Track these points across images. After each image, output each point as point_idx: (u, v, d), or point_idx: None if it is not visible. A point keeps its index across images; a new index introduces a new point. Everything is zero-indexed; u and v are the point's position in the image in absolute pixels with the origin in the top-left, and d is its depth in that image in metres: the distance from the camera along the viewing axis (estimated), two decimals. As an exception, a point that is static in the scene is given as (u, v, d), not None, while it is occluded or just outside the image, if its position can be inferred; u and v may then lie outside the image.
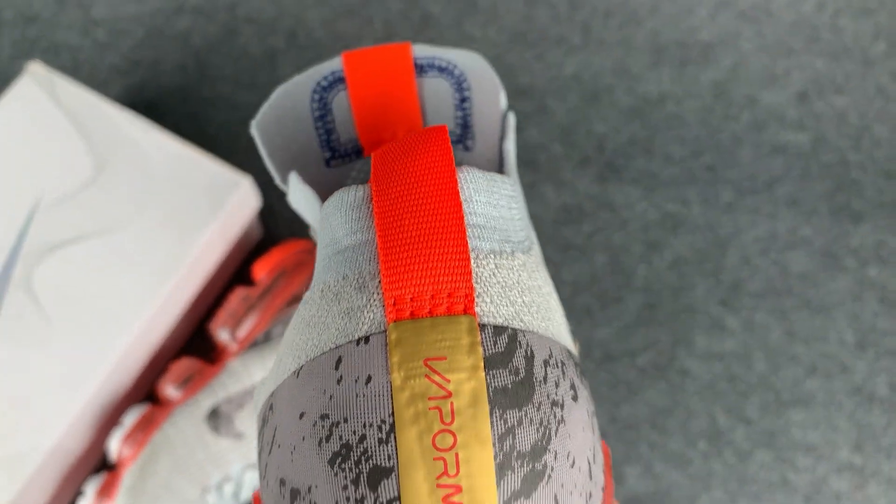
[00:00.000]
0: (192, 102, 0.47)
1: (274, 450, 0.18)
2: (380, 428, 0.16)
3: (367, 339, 0.16)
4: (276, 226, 0.44)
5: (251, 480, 0.35)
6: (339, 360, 0.17)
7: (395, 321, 0.16)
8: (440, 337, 0.16)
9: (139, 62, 0.48)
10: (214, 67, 0.48)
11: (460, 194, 0.18)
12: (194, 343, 0.41)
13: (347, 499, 0.16)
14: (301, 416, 0.17)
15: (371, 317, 0.17)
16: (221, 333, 0.37)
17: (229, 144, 0.46)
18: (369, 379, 0.16)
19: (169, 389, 0.36)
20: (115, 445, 0.35)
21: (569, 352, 0.19)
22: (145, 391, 0.39)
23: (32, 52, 0.48)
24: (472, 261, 0.17)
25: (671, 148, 0.46)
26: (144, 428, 0.35)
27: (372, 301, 0.17)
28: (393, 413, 0.16)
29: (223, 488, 0.35)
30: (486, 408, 0.16)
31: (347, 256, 0.18)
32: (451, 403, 0.15)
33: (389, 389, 0.16)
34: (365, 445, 0.16)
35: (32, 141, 0.38)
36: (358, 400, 0.16)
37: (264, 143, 0.22)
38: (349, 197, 0.18)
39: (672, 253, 0.43)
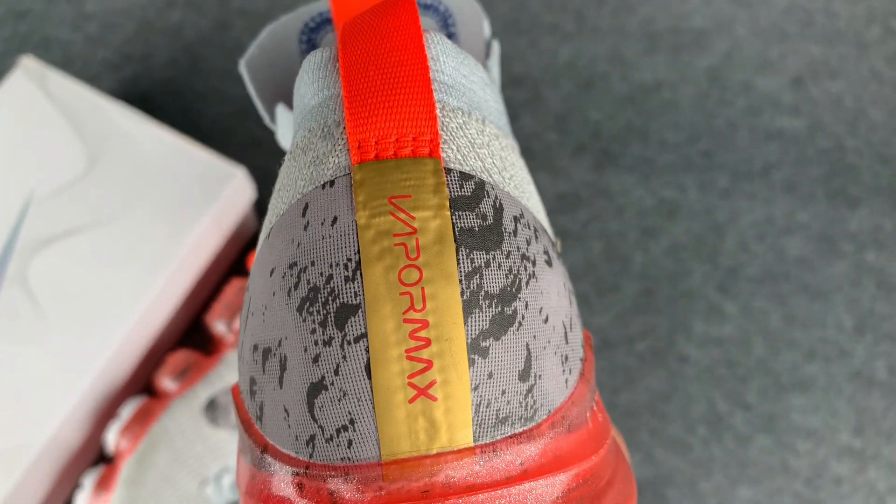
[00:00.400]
0: (184, 96, 0.47)
1: (248, 323, 0.18)
2: (346, 266, 0.16)
3: (332, 182, 0.17)
4: (271, 218, 0.44)
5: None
6: (305, 207, 0.17)
7: (359, 163, 0.16)
8: (405, 176, 0.16)
9: (131, 56, 0.48)
10: (207, 61, 0.47)
11: (427, 52, 0.18)
12: (191, 335, 0.41)
13: (316, 342, 0.16)
14: (271, 272, 0.17)
15: (336, 161, 0.17)
16: (217, 325, 0.37)
17: (222, 138, 0.45)
18: (335, 220, 0.16)
19: (166, 381, 0.36)
20: (112, 438, 0.35)
21: (545, 228, 0.18)
22: (142, 384, 0.39)
23: (23, 47, 0.48)
24: (438, 111, 0.17)
25: (667, 134, 0.45)
26: (142, 420, 0.35)
27: (337, 147, 0.17)
28: (359, 251, 0.16)
29: (222, 480, 0.35)
30: (452, 245, 0.16)
31: (314, 113, 0.18)
32: (417, 240, 0.15)
33: (355, 228, 0.16)
34: (332, 285, 0.16)
35: (25, 135, 0.38)
36: (324, 242, 0.16)
37: (252, 81, 0.23)
38: (316, 58, 0.18)
39: (669, 239, 0.43)
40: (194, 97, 0.46)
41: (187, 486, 0.34)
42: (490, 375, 0.16)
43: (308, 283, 0.16)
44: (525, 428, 0.16)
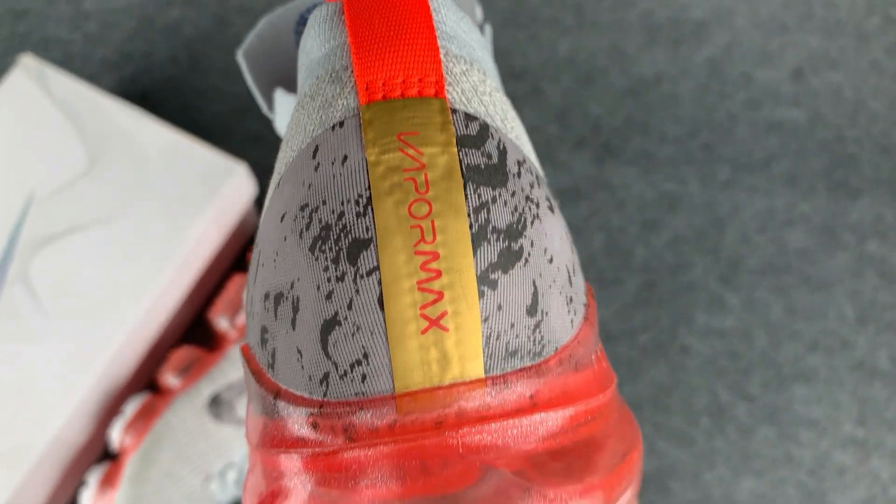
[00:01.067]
0: (184, 94, 0.46)
1: (258, 275, 0.18)
2: (357, 202, 0.16)
3: (341, 123, 0.17)
4: (272, 214, 0.44)
5: (254, 467, 0.35)
6: (315, 150, 0.17)
7: (367, 103, 0.17)
8: (412, 115, 0.16)
9: (130, 54, 0.48)
10: (206, 58, 0.47)
11: (429, 3, 0.18)
12: (193, 331, 0.41)
13: (328, 279, 0.16)
14: (282, 218, 0.17)
15: (344, 104, 0.17)
16: (220, 321, 0.37)
17: (222, 135, 0.45)
18: (345, 158, 0.16)
19: (169, 378, 0.36)
20: (116, 435, 0.35)
21: (544, 179, 0.19)
22: (145, 380, 0.39)
23: (23, 46, 0.48)
24: (442, 55, 0.18)
25: (667, 127, 0.45)
26: (145, 417, 0.35)
27: (345, 89, 0.17)
28: (370, 187, 0.16)
29: (226, 475, 0.35)
30: (460, 181, 0.16)
31: (321, 62, 0.18)
32: (426, 175, 0.16)
33: (365, 165, 0.16)
34: (344, 222, 0.16)
35: (25, 134, 0.38)
36: (335, 180, 0.16)
37: (250, 70, 0.23)
38: (322, 12, 0.19)
39: (670, 232, 0.43)
40: (194, 94, 0.46)
41: (191, 482, 0.34)
42: (499, 308, 0.16)
43: (320, 221, 0.16)
44: (534, 363, 0.16)
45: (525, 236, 0.16)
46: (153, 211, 0.36)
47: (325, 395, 0.16)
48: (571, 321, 0.17)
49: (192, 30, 0.48)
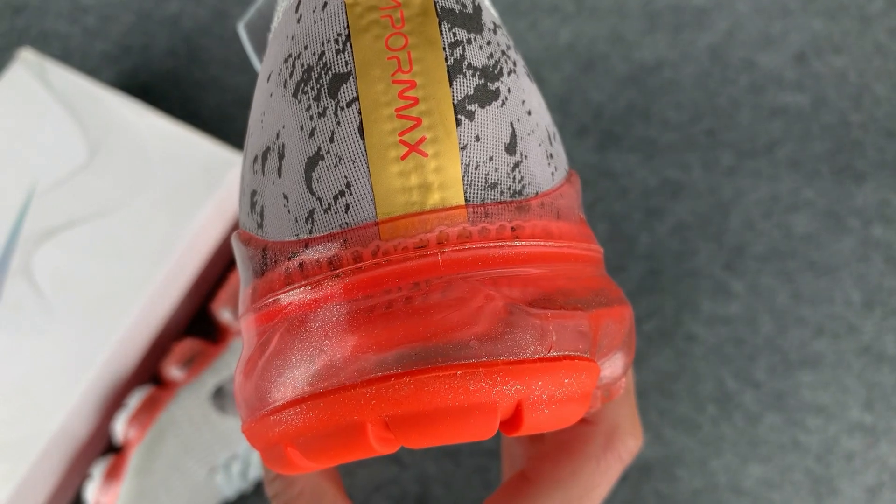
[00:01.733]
0: (183, 86, 0.46)
1: (247, 148, 0.18)
2: (336, 41, 0.17)
3: None
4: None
5: (259, 459, 0.35)
6: (298, 4, 0.18)
7: None
8: None
9: (129, 48, 0.47)
10: (205, 50, 0.47)
11: None
12: (197, 323, 0.41)
13: (311, 117, 0.16)
14: (268, 78, 0.18)
15: None
16: (223, 313, 0.37)
17: (222, 127, 0.45)
18: (325, 5, 0.17)
19: (172, 370, 0.36)
20: (120, 428, 0.35)
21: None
22: (149, 373, 0.39)
23: (22, 41, 0.48)
24: None
25: (669, 114, 0.45)
26: (149, 409, 0.35)
27: None
28: (348, 25, 0.17)
29: (231, 467, 0.35)
30: (435, 18, 0.17)
31: None
32: (402, 12, 0.16)
33: (343, 7, 0.17)
34: (324, 60, 0.17)
35: (25, 127, 0.38)
36: (316, 25, 0.17)
37: (251, 42, 0.23)
38: None
39: (674, 219, 0.43)
40: (194, 86, 0.46)
41: (196, 473, 0.34)
42: (477, 139, 0.16)
43: (302, 66, 0.17)
44: (514, 199, 0.17)
45: (502, 81, 0.17)
46: (154, 204, 0.36)
47: (310, 232, 0.16)
48: (552, 174, 0.18)
49: (191, 22, 0.48)
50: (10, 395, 0.33)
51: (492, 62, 0.17)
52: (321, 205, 0.16)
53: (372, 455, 0.16)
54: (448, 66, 0.16)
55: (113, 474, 0.34)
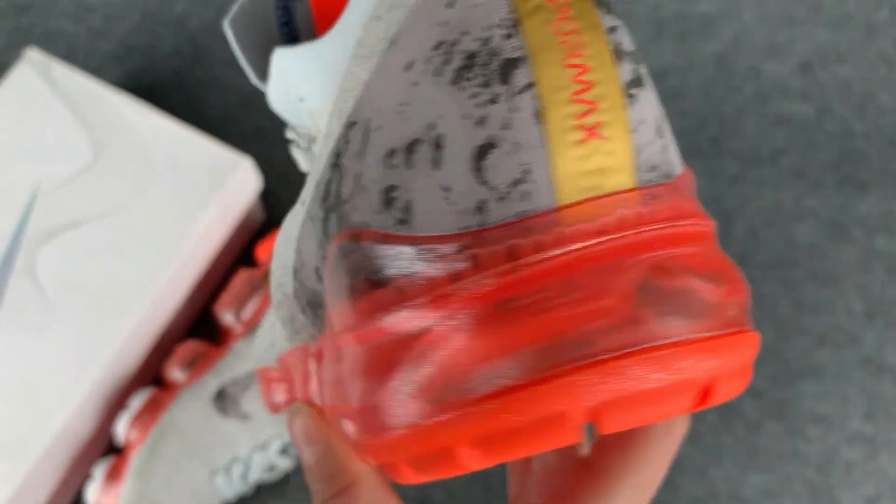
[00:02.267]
0: (188, 86, 0.46)
1: (372, 141, 0.18)
2: (501, 26, 0.16)
3: None
4: (278, 208, 0.43)
5: (259, 461, 0.35)
6: None
7: None
8: None
9: (134, 47, 0.47)
10: (210, 50, 0.47)
11: None
12: (199, 326, 0.41)
13: (478, 105, 0.16)
14: (408, 66, 0.17)
15: None
16: (226, 315, 0.37)
17: (227, 127, 0.45)
18: None
19: (175, 372, 0.36)
20: (122, 429, 0.35)
21: None
22: (151, 374, 0.39)
23: (27, 40, 0.48)
24: None
25: (675, 121, 0.45)
26: (151, 410, 0.35)
27: None
28: (514, 10, 0.16)
29: (232, 470, 0.35)
30: (592, 4, 0.17)
31: None
32: None
33: None
34: (491, 46, 0.16)
35: (31, 127, 0.38)
36: (476, 10, 0.17)
37: (236, 40, 0.23)
38: None
39: (677, 226, 0.43)
40: (198, 87, 0.46)
41: (197, 476, 0.34)
42: (642, 122, 0.17)
43: (463, 52, 0.17)
44: (668, 181, 0.17)
45: (642, 66, 0.17)
46: (158, 204, 0.36)
47: (481, 223, 0.16)
48: (679, 159, 0.18)
49: (196, 22, 0.48)
50: (13, 395, 0.33)
51: (635, 46, 0.17)
52: (494, 194, 0.16)
53: (567, 444, 0.16)
54: (610, 49, 0.17)
55: (114, 475, 0.34)
